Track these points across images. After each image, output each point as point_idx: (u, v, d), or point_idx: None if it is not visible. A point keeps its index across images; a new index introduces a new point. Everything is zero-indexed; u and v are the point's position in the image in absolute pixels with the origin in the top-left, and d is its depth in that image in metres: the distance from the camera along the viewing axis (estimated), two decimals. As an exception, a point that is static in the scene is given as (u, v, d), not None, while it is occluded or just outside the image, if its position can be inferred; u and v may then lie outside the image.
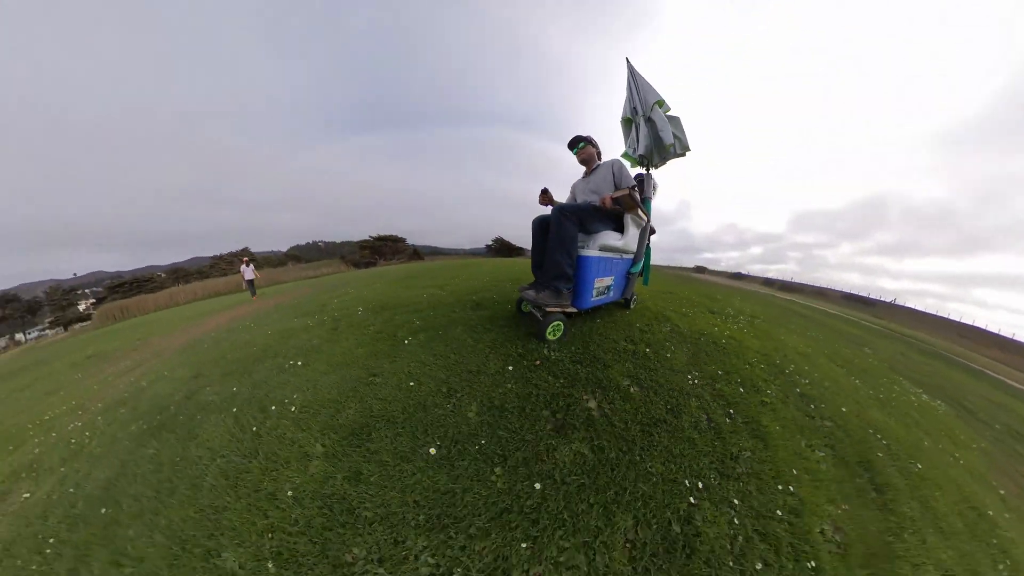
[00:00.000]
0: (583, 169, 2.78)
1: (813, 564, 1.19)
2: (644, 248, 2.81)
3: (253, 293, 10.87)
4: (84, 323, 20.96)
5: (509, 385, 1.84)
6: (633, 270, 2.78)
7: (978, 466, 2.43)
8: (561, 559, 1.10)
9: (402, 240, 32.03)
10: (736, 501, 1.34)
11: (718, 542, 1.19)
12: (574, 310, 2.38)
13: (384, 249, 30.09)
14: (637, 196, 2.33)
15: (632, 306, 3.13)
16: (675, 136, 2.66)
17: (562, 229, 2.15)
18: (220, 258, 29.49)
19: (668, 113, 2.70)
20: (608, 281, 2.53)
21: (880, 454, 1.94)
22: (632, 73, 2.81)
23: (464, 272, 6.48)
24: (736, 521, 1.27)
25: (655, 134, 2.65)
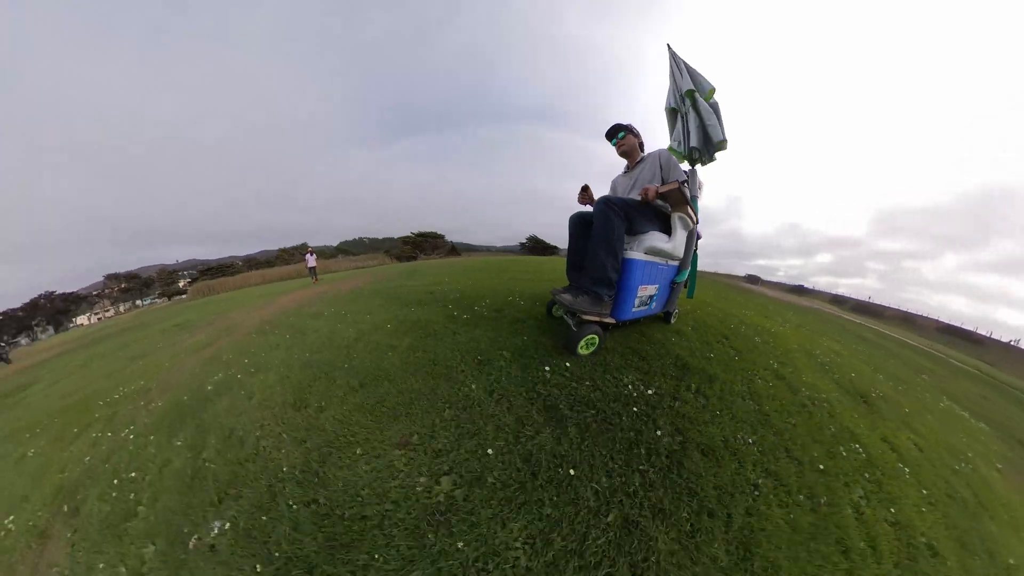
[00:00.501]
0: (624, 163, 2.55)
1: (828, 401, 2.30)
2: (691, 255, 2.56)
3: (314, 278, 12.27)
4: (181, 296, 27.06)
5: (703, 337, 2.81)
6: (678, 279, 2.54)
7: (986, 453, 2.71)
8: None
9: (441, 236, 33.23)
10: (789, 373, 2.52)
11: (804, 388, 2.37)
12: (612, 321, 2.16)
13: (425, 244, 31.28)
14: (687, 192, 2.12)
15: (672, 321, 2.83)
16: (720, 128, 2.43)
17: (608, 225, 1.92)
18: (283, 250, 34.77)
19: (710, 101, 2.48)
20: (652, 290, 2.34)
21: (874, 395, 2.73)
22: (674, 58, 2.61)
23: (547, 266, 6.66)
24: (796, 385, 2.37)
25: (705, 126, 2.43)
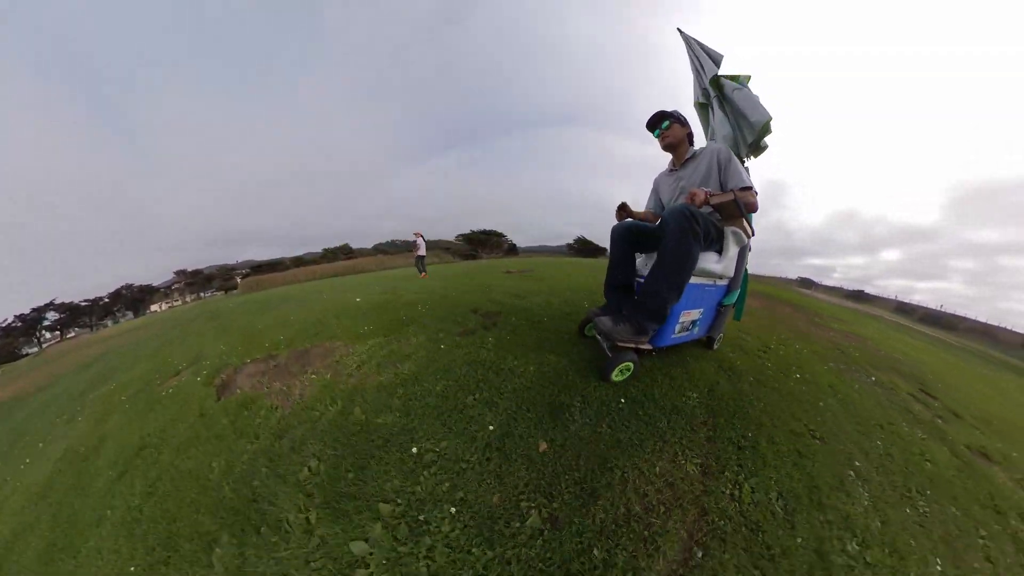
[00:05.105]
0: (668, 159, 2.19)
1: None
2: (742, 274, 2.27)
3: (422, 271, 9.28)
4: (234, 290, 30.88)
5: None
6: (726, 302, 2.28)
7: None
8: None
9: (502, 235, 32.65)
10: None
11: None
12: (649, 347, 2.00)
13: (487, 242, 31.04)
14: (752, 201, 1.82)
15: (716, 346, 2.55)
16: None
17: (685, 246, 1.60)
18: (328, 250, 37.78)
19: (744, 84, 2.13)
20: (695, 315, 2.13)
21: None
22: (690, 45, 2.26)
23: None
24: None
25: (741, 114, 2.09)
